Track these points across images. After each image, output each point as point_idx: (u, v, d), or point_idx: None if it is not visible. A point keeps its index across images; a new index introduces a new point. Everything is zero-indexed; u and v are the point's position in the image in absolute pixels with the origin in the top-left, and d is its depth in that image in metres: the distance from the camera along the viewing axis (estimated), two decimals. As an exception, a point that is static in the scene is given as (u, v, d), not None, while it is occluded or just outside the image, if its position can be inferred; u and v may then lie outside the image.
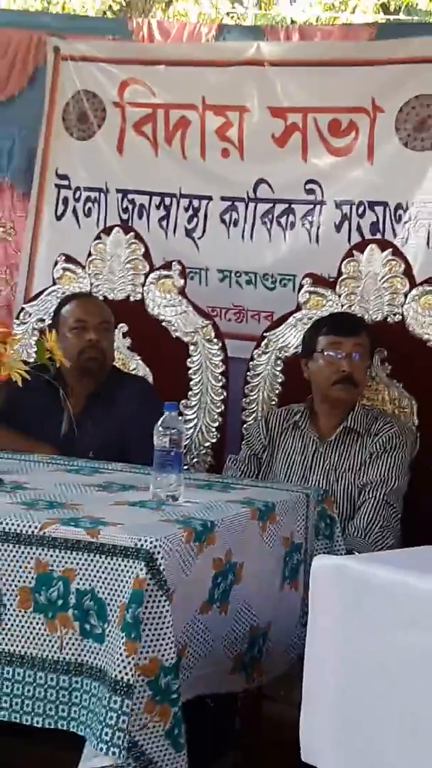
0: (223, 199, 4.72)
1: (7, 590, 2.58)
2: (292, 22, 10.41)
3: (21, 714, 2.55)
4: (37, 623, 2.55)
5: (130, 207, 4.85)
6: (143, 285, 4.27)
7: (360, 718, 2.23)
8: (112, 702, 2.40)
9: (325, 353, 3.71)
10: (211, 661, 2.72)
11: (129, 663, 2.40)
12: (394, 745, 2.18)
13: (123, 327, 4.23)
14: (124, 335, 4.26)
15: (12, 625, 2.57)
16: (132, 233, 4.35)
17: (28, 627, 2.56)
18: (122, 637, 2.42)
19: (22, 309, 4.52)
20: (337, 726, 2.26)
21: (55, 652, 2.54)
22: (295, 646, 3.01)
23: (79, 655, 2.52)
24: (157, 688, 2.44)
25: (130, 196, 4.86)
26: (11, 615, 2.57)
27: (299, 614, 3.02)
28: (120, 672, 2.40)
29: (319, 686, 2.30)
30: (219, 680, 2.80)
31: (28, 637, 2.56)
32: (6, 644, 2.57)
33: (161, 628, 2.45)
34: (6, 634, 2.58)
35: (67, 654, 2.53)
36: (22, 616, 2.56)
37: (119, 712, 2.39)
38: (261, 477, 3.77)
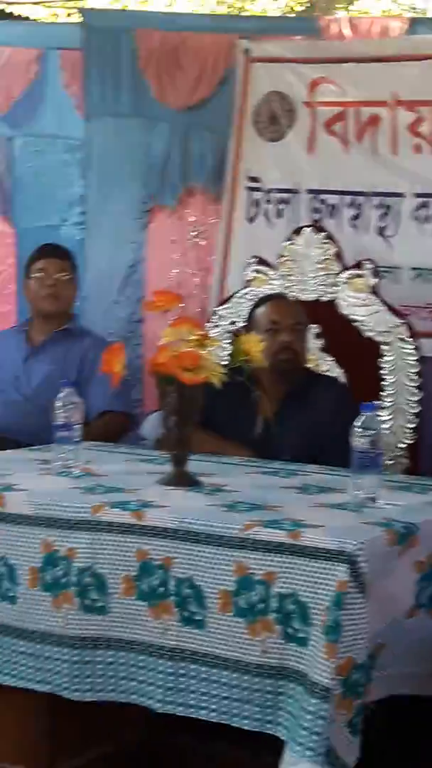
0: (416, 195, 4.64)
1: (209, 593, 2.58)
2: None
3: (230, 716, 2.55)
4: (239, 627, 2.55)
5: (321, 207, 4.80)
6: (335, 285, 4.23)
7: None
8: (310, 705, 2.39)
9: None
10: (413, 661, 2.67)
11: (329, 666, 2.38)
12: None
13: (315, 328, 4.21)
14: (317, 336, 4.24)
15: (214, 628, 2.57)
16: (323, 233, 4.33)
17: (230, 630, 2.55)
18: (324, 641, 2.40)
19: (215, 312, 4.55)
20: None
21: (258, 656, 2.52)
22: None
23: (282, 658, 2.51)
24: (348, 685, 2.42)
25: (321, 196, 4.82)
26: (213, 618, 2.58)
27: None
28: (320, 675, 2.39)
29: None
30: (420, 682, 2.74)
31: (230, 641, 2.55)
32: (210, 647, 2.58)
33: (358, 629, 2.42)
34: (210, 637, 2.58)
35: (271, 658, 2.52)
36: (224, 619, 2.56)
37: (316, 715, 2.38)
38: None
